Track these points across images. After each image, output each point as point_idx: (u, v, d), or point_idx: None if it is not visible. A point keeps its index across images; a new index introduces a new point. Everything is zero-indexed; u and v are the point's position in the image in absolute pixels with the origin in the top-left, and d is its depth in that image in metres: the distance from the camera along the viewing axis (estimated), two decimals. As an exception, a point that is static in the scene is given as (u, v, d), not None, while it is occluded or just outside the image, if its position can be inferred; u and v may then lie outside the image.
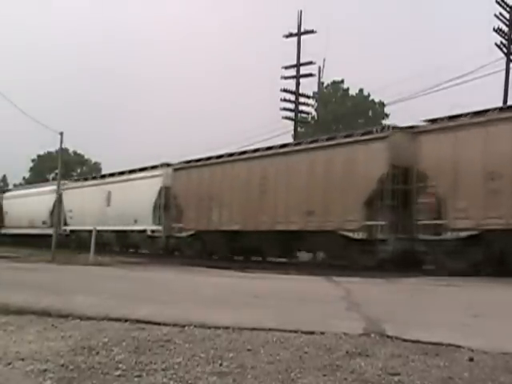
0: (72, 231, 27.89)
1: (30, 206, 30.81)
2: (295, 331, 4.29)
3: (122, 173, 25.80)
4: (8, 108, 28.40)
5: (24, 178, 61.54)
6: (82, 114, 78.53)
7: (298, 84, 28.01)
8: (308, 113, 32.37)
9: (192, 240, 20.60)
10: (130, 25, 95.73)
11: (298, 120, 29.49)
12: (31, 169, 61.17)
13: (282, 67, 28.11)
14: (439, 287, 9.37)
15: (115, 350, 3.55)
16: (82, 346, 3.66)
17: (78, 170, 57.80)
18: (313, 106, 32.77)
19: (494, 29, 22.99)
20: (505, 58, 22.97)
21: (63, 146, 22.14)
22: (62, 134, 19.88)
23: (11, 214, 33.61)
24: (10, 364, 3.18)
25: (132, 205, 22.94)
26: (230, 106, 78.77)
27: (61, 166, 23.30)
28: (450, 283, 9.78)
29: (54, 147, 49.13)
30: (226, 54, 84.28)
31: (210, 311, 5.48)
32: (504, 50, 22.99)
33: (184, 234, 20.73)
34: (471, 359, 3.45)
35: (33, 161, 60.78)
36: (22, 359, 3.27)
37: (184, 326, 4.45)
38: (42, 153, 58.85)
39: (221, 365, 3.23)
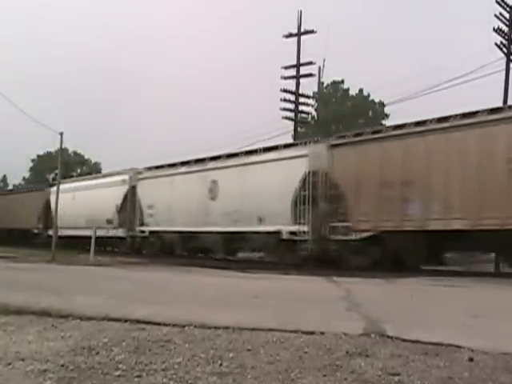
0: (152, 232, 22.14)
1: (90, 202, 25.31)
2: (295, 331, 4.29)
3: (232, 155, 19.61)
4: (8, 108, 28.50)
5: (24, 178, 61.56)
6: (82, 114, 78.56)
7: (297, 84, 28.00)
8: (308, 113, 32.40)
9: (367, 245, 14.84)
10: (129, 22, 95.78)
11: (298, 120, 29.49)
12: (31, 169, 61.18)
13: (282, 67, 28.12)
14: (439, 287, 9.37)
15: (115, 350, 3.55)
16: (82, 346, 3.66)
17: (78, 170, 57.81)
18: (313, 106, 32.78)
19: (493, 29, 23.00)
20: (505, 58, 22.97)
21: (63, 146, 22.14)
22: (61, 134, 19.90)
23: (62, 211, 27.99)
24: (10, 364, 3.18)
25: (255, 198, 16.95)
26: (230, 105, 78.79)
27: (61, 166, 23.28)
28: (449, 283, 9.78)
29: (53, 147, 49.23)
30: (226, 54, 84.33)
31: (210, 311, 5.48)
32: (504, 50, 22.99)
33: (354, 237, 15.08)
34: (471, 359, 3.45)
35: (32, 161, 60.79)
36: (22, 359, 3.28)
37: (184, 326, 4.45)
38: (41, 153, 58.90)
39: (221, 365, 3.23)
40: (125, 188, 23.62)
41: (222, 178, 18.80)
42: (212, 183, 18.98)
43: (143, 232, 22.71)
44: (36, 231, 30.20)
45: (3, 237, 30.78)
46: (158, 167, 23.26)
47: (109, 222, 24.02)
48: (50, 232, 25.38)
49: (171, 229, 20.77)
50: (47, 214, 28.68)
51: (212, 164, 19.75)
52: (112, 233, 23.82)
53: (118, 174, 25.48)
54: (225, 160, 19.44)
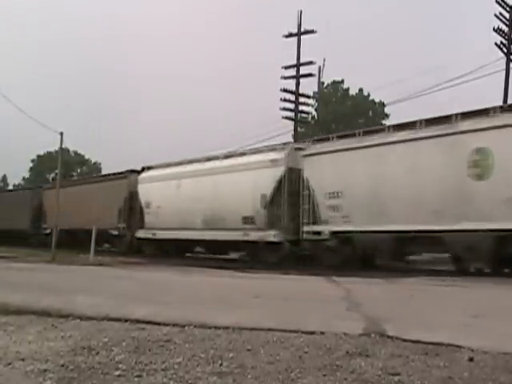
0: (337, 234, 15.05)
1: (211, 192, 18.32)
2: (295, 331, 4.29)
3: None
4: (8, 108, 28.49)
5: (24, 178, 61.58)
6: (82, 114, 78.56)
7: (297, 84, 28.01)
8: (308, 113, 32.42)
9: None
10: (130, 23, 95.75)
11: (298, 120, 29.49)
12: (31, 169, 61.19)
13: (282, 67, 28.13)
14: (439, 287, 9.37)
15: (115, 350, 3.55)
16: (82, 346, 3.66)
17: (78, 170, 57.83)
18: (313, 105, 32.81)
19: (493, 29, 23.01)
20: (505, 58, 22.97)
21: (63, 146, 22.13)
22: (61, 134, 19.90)
23: (157, 206, 21.07)
24: (10, 364, 3.18)
25: None
26: (230, 105, 78.79)
27: (61, 166, 23.27)
28: (450, 283, 9.78)
29: (53, 147, 49.23)
30: (226, 54, 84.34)
31: (210, 311, 5.47)
32: (504, 49, 23.00)
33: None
34: (471, 359, 3.45)
35: (32, 161, 60.81)
36: (22, 359, 3.28)
37: (184, 326, 4.45)
38: (41, 153, 58.91)
39: (221, 365, 3.23)
40: (278, 171, 16.44)
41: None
42: (475, 152, 12.00)
43: (318, 234, 15.49)
44: (116, 233, 23.51)
45: (67, 241, 24.14)
46: (339, 136, 16.42)
47: (247, 220, 17.13)
48: (141, 234, 21.79)
49: (380, 228, 13.57)
50: (133, 210, 22.90)
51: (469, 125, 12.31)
52: (255, 236, 16.86)
53: (259, 151, 18.32)
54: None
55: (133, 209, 22.94)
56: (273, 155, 17.09)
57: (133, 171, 23.98)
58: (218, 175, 18.61)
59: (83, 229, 22.70)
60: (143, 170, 23.37)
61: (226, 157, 19.43)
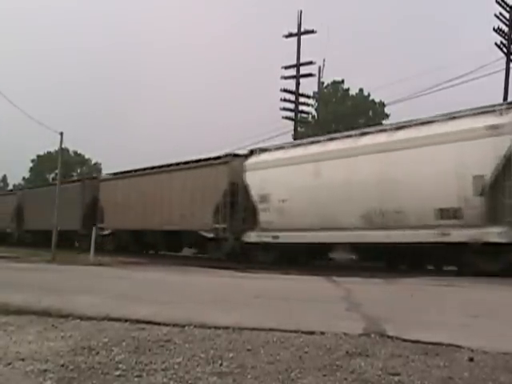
0: None
1: (376, 177, 13.67)
2: (295, 331, 4.29)
3: None
4: (8, 108, 28.48)
5: (24, 178, 61.59)
6: (82, 114, 78.54)
7: (297, 84, 27.99)
8: (308, 113, 32.40)
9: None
10: (130, 23, 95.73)
11: (298, 120, 29.48)
12: (31, 169, 61.20)
13: (282, 67, 28.12)
14: (439, 287, 9.36)
15: (115, 350, 3.55)
16: (82, 346, 3.66)
17: (78, 170, 57.83)
18: (313, 105, 32.80)
19: (493, 29, 23.01)
20: (505, 58, 22.98)
21: (63, 146, 22.14)
22: (62, 134, 19.91)
23: (281, 200, 16.34)
24: (10, 364, 3.18)
25: None
26: (230, 105, 78.78)
27: (61, 166, 23.27)
28: (450, 283, 9.77)
29: (53, 147, 49.27)
30: (226, 54, 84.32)
31: (210, 311, 5.48)
32: (504, 49, 23.00)
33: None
34: (471, 359, 3.45)
35: (32, 161, 60.83)
36: (22, 359, 3.28)
37: (184, 326, 4.45)
38: (41, 153, 58.94)
39: (221, 365, 3.23)
40: (501, 142, 11.60)
41: None
42: None
43: None
44: (211, 235, 18.48)
45: (129, 245, 22.60)
46: None
47: (446, 214, 12.38)
48: (253, 237, 16.92)
49: None
50: (237, 207, 18.08)
51: None
52: (462, 236, 12.02)
53: (463, 115, 12.65)
54: None
55: (236, 204, 17.75)
56: (491, 119, 11.88)
57: (235, 155, 18.91)
58: (389, 153, 13.45)
59: (154, 230, 19.80)
60: (252, 153, 18.12)
61: (400, 127, 13.95)
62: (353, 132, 15.38)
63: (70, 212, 24.46)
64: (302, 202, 15.42)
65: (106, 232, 23.59)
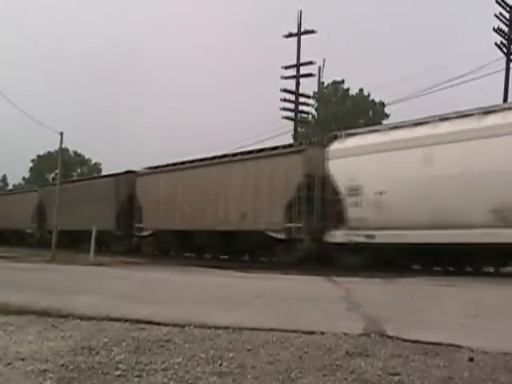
0: None
1: None
2: (295, 331, 4.29)
3: None
4: (8, 108, 28.48)
5: (24, 178, 61.61)
6: (82, 114, 78.54)
7: (297, 84, 28.01)
8: (308, 113, 32.42)
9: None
10: (130, 24, 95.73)
11: (298, 120, 29.49)
12: (31, 169, 61.21)
13: (282, 67, 28.13)
14: (439, 287, 9.36)
15: (115, 350, 3.55)
16: (82, 346, 3.65)
17: (78, 170, 57.84)
18: (313, 105, 32.80)
19: (493, 29, 23.01)
20: (505, 58, 22.98)
21: (63, 146, 22.14)
22: (62, 134, 19.91)
23: (377, 193, 13.94)
24: (10, 364, 3.18)
25: None
26: (230, 105, 78.78)
27: (61, 167, 23.27)
28: (450, 283, 9.77)
29: (53, 147, 49.27)
30: (225, 54, 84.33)
31: (210, 311, 5.48)
32: (504, 49, 23.00)
33: None
34: (471, 359, 3.45)
35: (32, 161, 60.84)
36: (22, 359, 3.27)
37: (184, 326, 4.45)
38: (41, 153, 58.96)
39: (221, 365, 3.23)
40: None
41: None
42: None
43: None
44: (281, 236, 16.11)
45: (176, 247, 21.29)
46: None
47: None
48: (340, 237, 14.56)
49: None
50: (314, 202, 15.68)
51: None
52: None
53: None
54: None
55: (313, 199, 15.61)
56: None
57: (310, 142, 17.62)
58: None
59: (205, 230, 17.67)
60: (335, 138, 16.13)
61: None
62: (474, 110, 12.99)
63: (103, 211, 22.75)
64: (406, 194, 13.12)
65: (146, 233, 21.37)
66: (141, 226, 21.68)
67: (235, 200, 17.44)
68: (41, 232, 29.50)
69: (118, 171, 25.01)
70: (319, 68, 29.67)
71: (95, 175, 26.68)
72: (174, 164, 21.36)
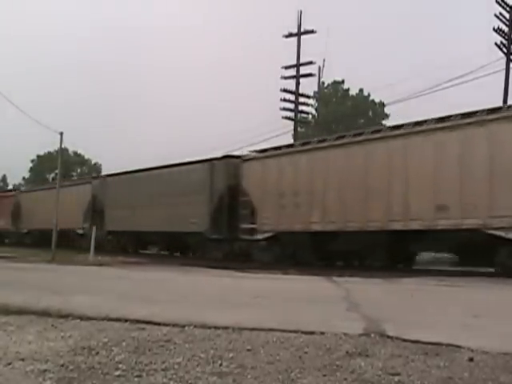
0: None
1: None
2: (295, 331, 4.28)
3: None
4: (8, 108, 28.47)
5: (24, 178, 61.59)
6: (82, 114, 78.51)
7: (297, 84, 28.01)
8: (308, 113, 32.43)
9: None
10: (130, 24, 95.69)
11: (298, 120, 29.48)
12: (31, 169, 61.19)
13: (282, 67, 28.14)
14: (439, 287, 9.37)
15: (115, 350, 3.55)
16: (81, 346, 3.65)
17: (78, 170, 57.81)
18: (313, 105, 32.82)
19: (493, 29, 23.02)
20: (505, 58, 22.98)
21: (63, 146, 22.14)
22: (61, 134, 19.93)
23: None
24: (9, 364, 3.17)
25: None
26: (230, 105, 78.76)
27: (60, 167, 23.26)
28: (449, 283, 9.78)
29: (53, 147, 49.26)
30: (226, 54, 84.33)
31: (210, 311, 5.48)
32: (504, 49, 23.00)
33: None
34: (471, 359, 3.44)
35: (32, 161, 60.81)
36: (22, 359, 3.27)
37: (184, 326, 4.44)
38: (41, 153, 58.93)
39: (221, 365, 3.23)
40: None
41: None
42: None
43: None
44: None
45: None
46: None
47: None
48: None
49: None
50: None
51: None
52: None
53: None
54: None
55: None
56: None
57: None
58: None
59: (366, 230, 13.33)
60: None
61: None
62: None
63: (188, 208, 18.36)
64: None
65: (260, 236, 16.78)
66: (253, 226, 16.85)
67: (419, 185, 12.96)
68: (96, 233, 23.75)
69: (211, 156, 19.95)
70: (319, 68, 29.74)
71: (175, 162, 19.92)
72: (307, 142, 17.17)
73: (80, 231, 25.79)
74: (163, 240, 22.34)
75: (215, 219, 18.19)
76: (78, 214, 25.77)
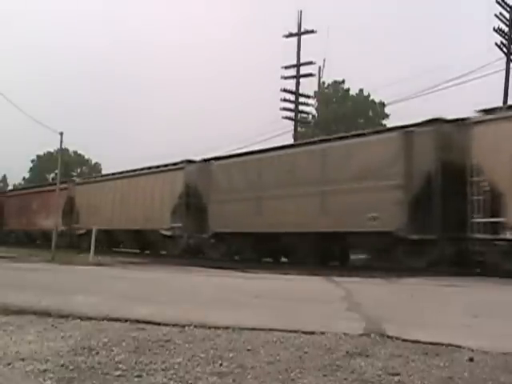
0: None
1: None
2: (295, 331, 4.28)
3: None
4: (8, 108, 28.47)
5: (24, 178, 61.56)
6: (82, 115, 78.49)
7: (298, 84, 28.01)
8: (308, 113, 32.42)
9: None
10: (130, 25, 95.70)
11: (299, 120, 29.48)
12: (31, 169, 61.17)
13: (282, 67, 28.13)
14: (439, 287, 9.36)
15: (115, 350, 3.55)
16: (82, 346, 3.65)
17: (78, 170, 57.78)
18: (313, 105, 32.81)
19: (494, 29, 23.02)
20: (505, 58, 22.98)
21: (63, 146, 22.12)
22: (61, 134, 19.90)
23: None
24: (9, 364, 3.17)
25: None
26: (230, 105, 78.74)
27: (61, 167, 23.25)
28: (450, 283, 9.77)
29: (53, 147, 49.24)
30: (226, 54, 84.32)
31: (210, 311, 5.47)
32: (504, 49, 23.01)
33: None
34: (471, 359, 3.44)
35: (32, 161, 60.79)
36: (22, 359, 3.27)
37: (184, 326, 4.44)
38: (41, 153, 58.90)
39: (221, 365, 3.23)
40: None
41: None
42: None
43: None
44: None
45: None
46: None
47: None
48: None
49: None
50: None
51: None
52: None
53: None
54: None
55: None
56: None
57: None
58: None
59: None
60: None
61: None
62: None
63: (368, 197, 13.57)
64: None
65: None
66: (494, 220, 11.75)
67: None
68: (194, 235, 19.68)
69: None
70: (319, 68, 29.74)
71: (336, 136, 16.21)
72: None
73: (166, 232, 20.55)
74: (310, 245, 15.90)
75: (415, 213, 12.98)
76: (163, 209, 20.64)
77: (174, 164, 21.17)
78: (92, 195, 25.52)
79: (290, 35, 27.67)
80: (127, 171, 24.30)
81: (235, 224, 17.60)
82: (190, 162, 20.63)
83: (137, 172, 23.29)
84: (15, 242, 31.29)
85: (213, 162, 19.45)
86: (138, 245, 24.00)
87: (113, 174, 26.27)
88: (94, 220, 22.24)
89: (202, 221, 18.85)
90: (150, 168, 22.59)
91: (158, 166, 22.25)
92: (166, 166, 21.73)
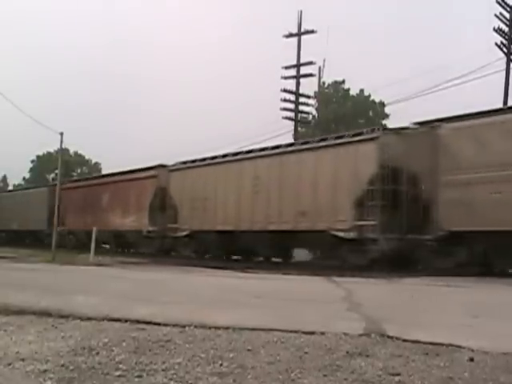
0: None
1: None
2: (295, 331, 4.28)
3: None
4: (8, 108, 28.49)
5: (24, 179, 61.57)
6: (83, 115, 78.48)
7: (298, 84, 28.00)
8: (308, 113, 32.39)
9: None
10: (130, 25, 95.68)
11: (299, 120, 29.47)
12: (31, 169, 61.18)
13: (282, 67, 28.12)
14: (440, 287, 9.37)
15: (115, 350, 3.55)
16: (82, 346, 3.65)
17: (78, 171, 57.77)
18: (313, 105, 32.80)
19: (494, 29, 23.01)
20: (505, 58, 22.98)
21: (63, 146, 22.12)
22: (62, 134, 19.92)
23: None
24: (10, 364, 3.17)
25: None
26: (230, 105, 78.75)
27: (61, 167, 23.25)
28: (450, 284, 9.77)
29: (53, 148, 49.26)
30: (226, 55, 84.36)
31: (210, 311, 5.48)
32: (504, 49, 23.00)
33: None
34: (471, 359, 3.45)
35: (32, 161, 60.80)
36: (22, 359, 3.27)
37: (184, 327, 4.45)
38: (41, 153, 58.91)
39: (221, 365, 3.23)
40: None
41: None
42: None
43: None
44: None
45: None
46: None
47: None
48: None
49: None
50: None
51: None
52: None
53: None
54: None
55: None
56: None
57: None
58: None
59: None
60: None
61: None
62: None
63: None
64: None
65: None
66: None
67: None
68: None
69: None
70: (319, 68, 29.71)
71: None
72: None
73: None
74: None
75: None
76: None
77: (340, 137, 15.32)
78: (200, 184, 19.02)
79: (290, 35, 27.66)
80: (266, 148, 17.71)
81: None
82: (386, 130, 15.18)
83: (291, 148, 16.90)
84: (76, 244, 24.93)
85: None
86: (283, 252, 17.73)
87: (236, 153, 19.11)
88: (201, 217, 18.47)
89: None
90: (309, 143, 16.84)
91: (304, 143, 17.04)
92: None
